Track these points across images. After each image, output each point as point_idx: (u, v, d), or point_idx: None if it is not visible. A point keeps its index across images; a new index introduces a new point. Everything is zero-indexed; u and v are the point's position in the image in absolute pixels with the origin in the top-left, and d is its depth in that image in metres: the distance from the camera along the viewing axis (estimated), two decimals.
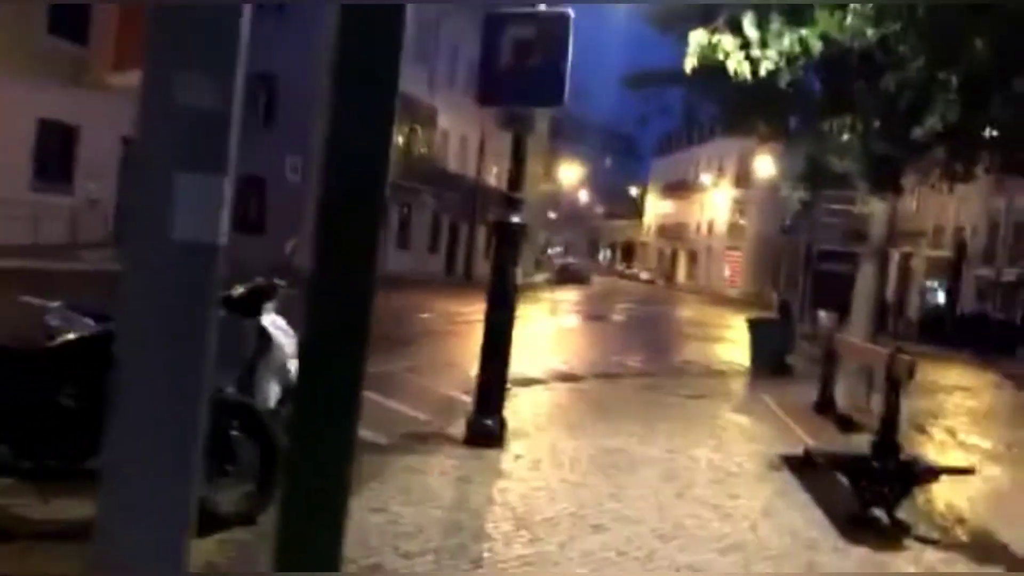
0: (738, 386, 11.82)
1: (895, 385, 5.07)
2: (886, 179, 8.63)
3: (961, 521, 5.52)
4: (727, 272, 70.61)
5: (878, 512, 5.07)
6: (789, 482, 6.14)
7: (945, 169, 9.26)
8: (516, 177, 6.41)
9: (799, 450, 6.93)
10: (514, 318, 6.37)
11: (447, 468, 5.63)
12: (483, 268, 43.92)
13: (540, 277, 52.89)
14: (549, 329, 21.01)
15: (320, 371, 1.75)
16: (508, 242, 6.28)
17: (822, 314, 25.04)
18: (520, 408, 8.12)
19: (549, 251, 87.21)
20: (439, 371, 10.52)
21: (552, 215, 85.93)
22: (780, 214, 49.51)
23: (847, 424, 6.65)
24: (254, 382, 4.70)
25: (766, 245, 62.60)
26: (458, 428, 6.54)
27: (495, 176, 49.13)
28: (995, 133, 8.74)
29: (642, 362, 14.16)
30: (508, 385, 9.57)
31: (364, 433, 6.98)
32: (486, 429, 6.33)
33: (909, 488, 5.10)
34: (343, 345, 1.73)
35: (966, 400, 12.09)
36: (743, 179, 67.91)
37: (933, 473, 5.05)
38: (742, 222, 69.72)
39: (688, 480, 5.97)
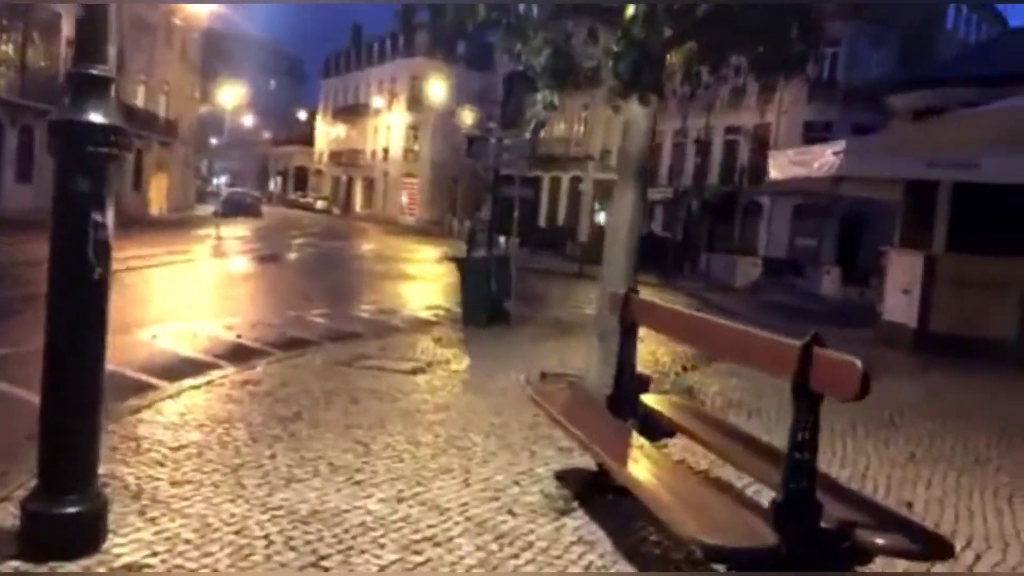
0: (458, 346, 9.45)
1: (813, 403, 2.88)
2: (649, 77, 6.59)
3: None
4: (405, 200, 69.00)
5: None
6: (597, 541, 3.84)
7: (688, 72, 7.57)
8: (91, 38, 3.30)
9: (577, 457, 4.81)
10: (105, 294, 3.32)
11: None
12: (133, 200, 37.88)
13: (204, 210, 47.74)
14: (212, 277, 17.51)
15: None
16: (80, 159, 3.19)
17: (501, 240, 24.12)
18: (149, 434, 5.05)
19: (214, 180, 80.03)
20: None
21: (214, 141, 78.58)
22: (455, 138, 48.35)
23: (652, 425, 4.52)
24: None
25: (443, 171, 61.62)
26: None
27: (142, 94, 42.62)
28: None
29: (331, 317, 11.39)
30: (148, 380, 6.53)
31: None
32: (59, 519, 3.29)
33: None
34: None
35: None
36: (416, 102, 66.07)
37: (870, 553, 2.98)
38: (417, 148, 68.14)
39: (443, 572, 3.44)
